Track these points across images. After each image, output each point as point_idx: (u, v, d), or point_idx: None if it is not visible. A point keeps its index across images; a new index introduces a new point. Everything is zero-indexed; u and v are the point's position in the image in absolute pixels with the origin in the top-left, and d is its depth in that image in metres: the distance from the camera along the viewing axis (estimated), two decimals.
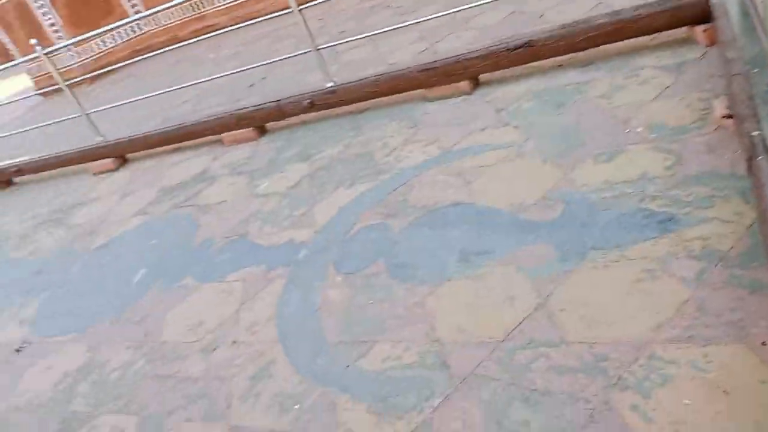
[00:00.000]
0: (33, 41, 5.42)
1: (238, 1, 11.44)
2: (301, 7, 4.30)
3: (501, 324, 2.07)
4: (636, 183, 2.43)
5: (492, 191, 2.83)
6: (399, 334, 2.21)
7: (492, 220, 2.63)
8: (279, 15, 4.83)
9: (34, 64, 11.82)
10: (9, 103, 6.21)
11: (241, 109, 4.82)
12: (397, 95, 4.33)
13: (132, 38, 12.30)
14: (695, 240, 2.01)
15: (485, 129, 3.46)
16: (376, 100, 4.40)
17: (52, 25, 11.77)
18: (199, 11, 11.93)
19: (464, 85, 4.01)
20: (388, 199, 3.15)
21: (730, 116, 2.44)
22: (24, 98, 6.38)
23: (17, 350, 3.09)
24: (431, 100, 4.13)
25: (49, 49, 5.63)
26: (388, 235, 2.83)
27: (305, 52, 4.67)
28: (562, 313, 2.00)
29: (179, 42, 5.02)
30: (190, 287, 3.06)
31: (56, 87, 5.89)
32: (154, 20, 12.36)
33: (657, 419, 1.56)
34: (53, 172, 6.08)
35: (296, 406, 2.07)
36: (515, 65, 3.85)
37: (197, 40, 5.65)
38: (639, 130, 2.74)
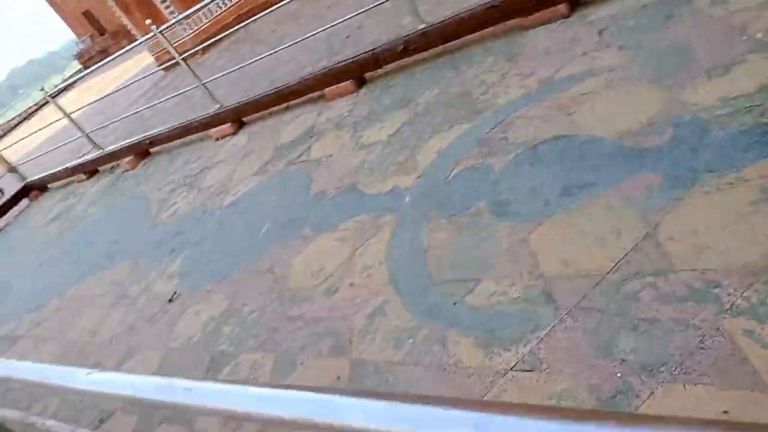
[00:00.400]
0: (148, 21, 5.88)
1: None
2: None
3: (606, 256, 2.06)
4: (755, 96, 2.25)
5: (594, 121, 2.74)
6: (503, 271, 2.28)
7: (595, 152, 2.56)
8: None
9: (152, 42, 12.74)
10: (136, 81, 6.83)
11: (339, 63, 4.95)
12: (493, 27, 4.21)
13: (234, 4, 12.80)
14: None
15: (586, 53, 3.30)
16: (472, 35, 4.31)
17: (164, 1, 12.54)
18: None
19: (562, 7, 3.81)
20: (488, 138, 3.15)
21: None
22: (148, 75, 7.01)
23: (170, 300, 3.56)
24: (528, 28, 3.98)
25: (163, 26, 6.06)
26: (489, 175, 2.85)
27: None
28: (672, 242, 1.96)
29: (279, 1, 5.17)
30: (309, 237, 3.32)
31: (174, 61, 6.35)
32: None
33: None
34: (180, 141, 6.67)
35: (409, 341, 2.23)
36: None
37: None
38: (759, 36, 2.49)
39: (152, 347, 3.25)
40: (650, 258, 1.95)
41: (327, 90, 5.10)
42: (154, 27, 5.80)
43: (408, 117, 3.92)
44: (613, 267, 2.00)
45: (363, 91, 4.87)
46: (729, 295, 1.69)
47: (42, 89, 7.46)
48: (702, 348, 1.61)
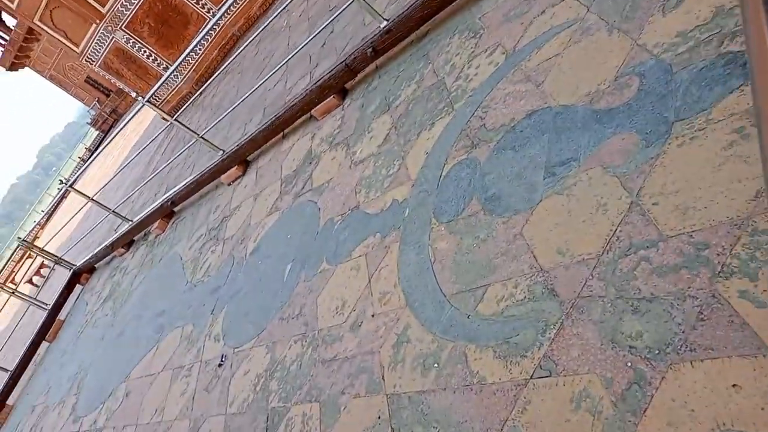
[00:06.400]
0: (133, 94, 6.03)
1: None
2: None
3: (597, 235, 2.04)
4: (711, 23, 2.15)
5: (563, 87, 2.67)
6: (506, 271, 2.28)
7: (569, 121, 2.51)
8: None
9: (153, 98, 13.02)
10: (144, 147, 7.03)
11: (317, 81, 4.96)
12: (452, 5, 4.14)
13: (214, 37, 12.86)
14: None
15: (544, 12, 3.20)
16: (433, 19, 4.25)
17: (149, 56, 12.77)
18: None
19: None
20: (468, 128, 3.12)
21: None
22: (153, 140, 7.18)
23: (219, 365, 3.72)
24: None
25: (148, 94, 6.20)
26: (476, 169, 2.83)
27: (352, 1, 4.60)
28: (656, 207, 1.91)
29: (253, 20, 5.19)
30: (327, 271, 3.39)
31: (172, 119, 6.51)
32: (227, 12, 12.76)
33: None
34: (198, 193, 6.85)
35: (435, 366, 2.27)
36: None
37: (272, 15, 5.75)
38: None
39: (214, 416, 3.41)
40: (638, 229, 1.92)
41: (314, 110, 5.13)
42: (140, 98, 5.95)
43: (392, 121, 3.91)
44: (606, 246, 1.98)
45: (347, 102, 4.87)
46: (718, 255, 1.65)
47: (61, 181, 7.78)
48: (702, 319, 1.58)
